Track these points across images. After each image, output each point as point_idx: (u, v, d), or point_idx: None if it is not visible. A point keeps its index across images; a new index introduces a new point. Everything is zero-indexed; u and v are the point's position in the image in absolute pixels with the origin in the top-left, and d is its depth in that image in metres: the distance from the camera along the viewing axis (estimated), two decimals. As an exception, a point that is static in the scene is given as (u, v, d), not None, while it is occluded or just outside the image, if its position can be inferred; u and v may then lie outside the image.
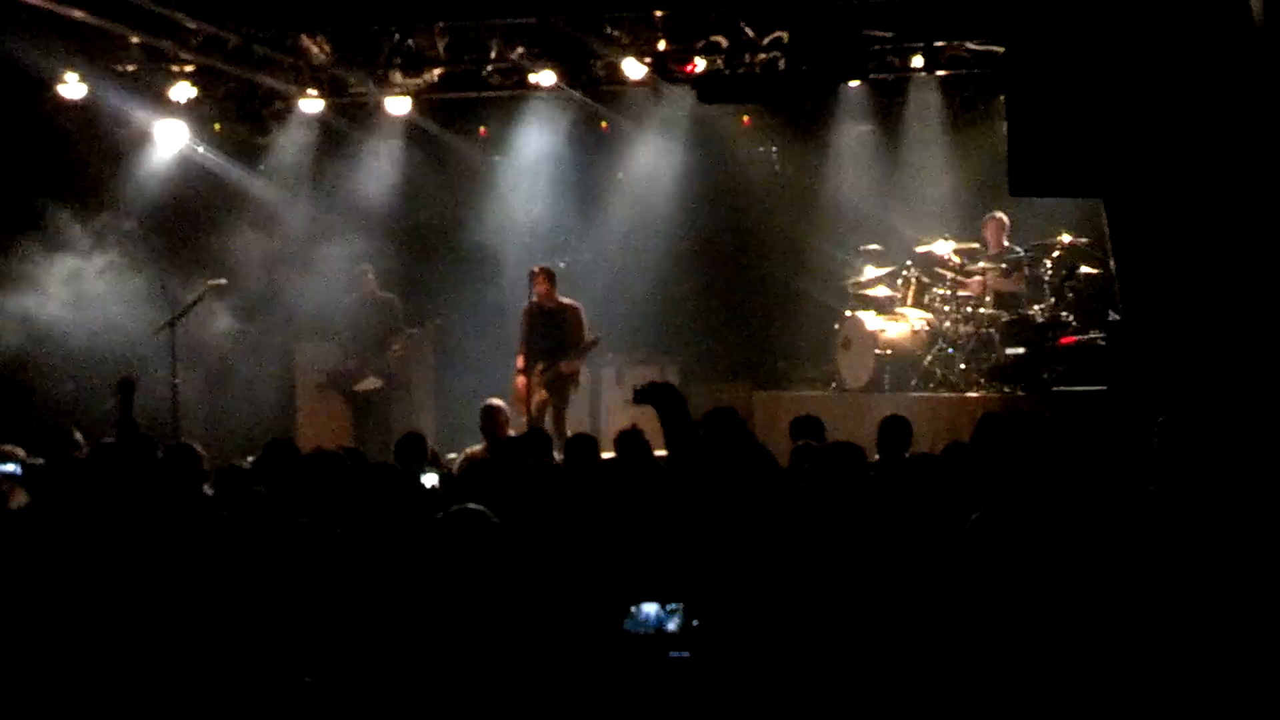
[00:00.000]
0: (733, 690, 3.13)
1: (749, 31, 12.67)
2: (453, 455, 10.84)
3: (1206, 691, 4.02)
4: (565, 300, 12.70)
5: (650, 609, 3.22)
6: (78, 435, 8.94)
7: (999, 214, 13.13)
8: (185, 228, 14.66)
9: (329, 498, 7.59)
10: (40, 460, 7.87)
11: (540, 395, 12.45)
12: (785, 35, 12.71)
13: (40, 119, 13.80)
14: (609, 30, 12.80)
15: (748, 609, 3.57)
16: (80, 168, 14.13)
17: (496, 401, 11.01)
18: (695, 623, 3.16)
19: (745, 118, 14.42)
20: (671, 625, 3.20)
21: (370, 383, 13.21)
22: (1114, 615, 4.67)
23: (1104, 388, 11.40)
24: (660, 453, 8.31)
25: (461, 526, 5.11)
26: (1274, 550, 4.85)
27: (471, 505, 5.42)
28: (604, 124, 14.73)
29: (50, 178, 13.81)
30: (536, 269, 12.64)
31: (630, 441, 8.48)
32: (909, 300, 13.18)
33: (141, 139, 14.12)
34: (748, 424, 8.32)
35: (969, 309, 12.84)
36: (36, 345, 13.82)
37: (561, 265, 13.08)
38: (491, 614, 4.42)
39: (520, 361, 12.54)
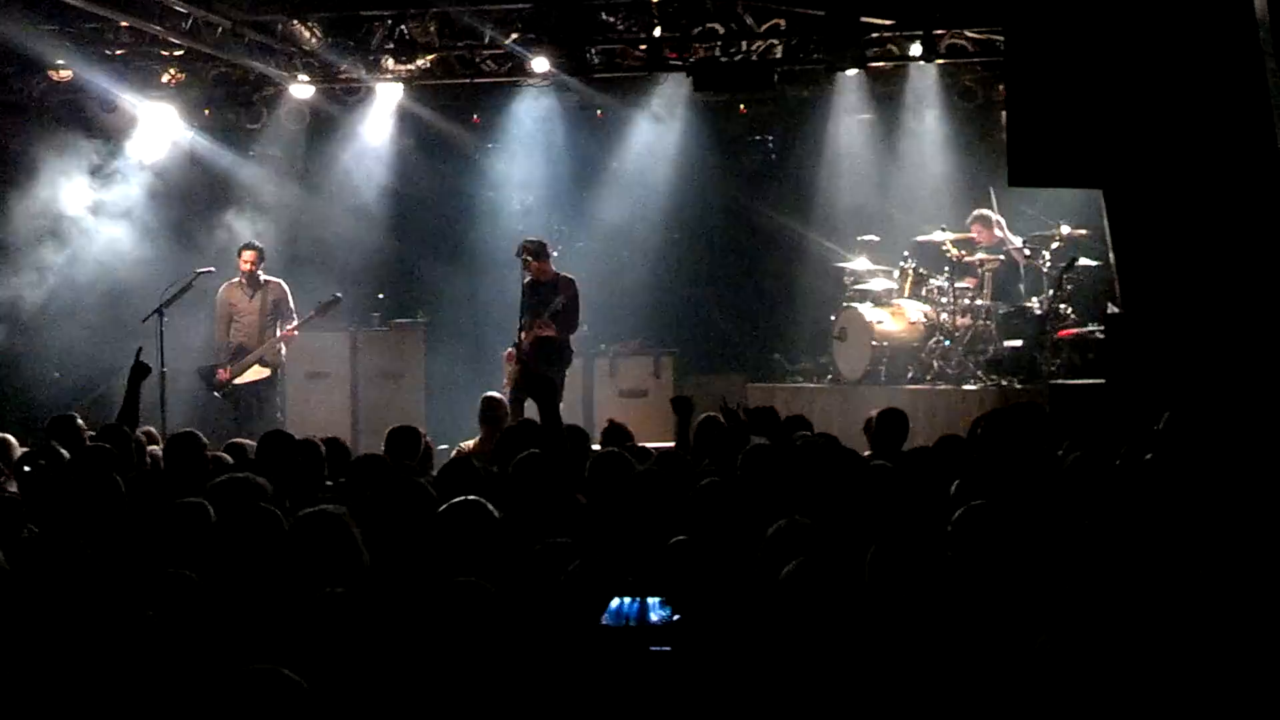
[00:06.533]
0: (715, 686, 3.02)
1: (747, 19, 12.57)
2: (444, 447, 10.71)
3: (1203, 690, 3.91)
4: (563, 274, 12.19)
5: (632, 602, 3.11)
6: (80, 422, 8.85)
7: (983, 211, 12.97)
8: (174, 214, 14.56)
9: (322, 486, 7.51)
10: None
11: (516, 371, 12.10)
12: (782, 22, 12.63)
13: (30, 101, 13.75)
14: (604, 16, 12.68)
15: (733, 603, 3.48)
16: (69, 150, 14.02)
17: (495, 393, 10.86)
18: (677, 617, 3.05)
19: (742, 106, 14.27)
20: (653, 619, 3.08)
21: (255, 373, 12.52)
22: (1108, 609, 4.57)
23: (1102, 381, 11.28)
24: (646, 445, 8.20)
25: (462, 519, 5.02)
26: (1272, 542, 4.76)
27: (472, 498, 5.31)
28: (599, 112, 14.59)
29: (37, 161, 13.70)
30: (521, 244, 12.33)
31: (616, 435, 8.42)
32: (906, 292, 13.05)
33: (130, 123, 14.01)
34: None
35: (966, 301, 12.72)
36: (23, 333, 13.79)
37: (554, 254, 12.82)
38: (484, 606, 4.34)
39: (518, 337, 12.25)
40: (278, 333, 12.37)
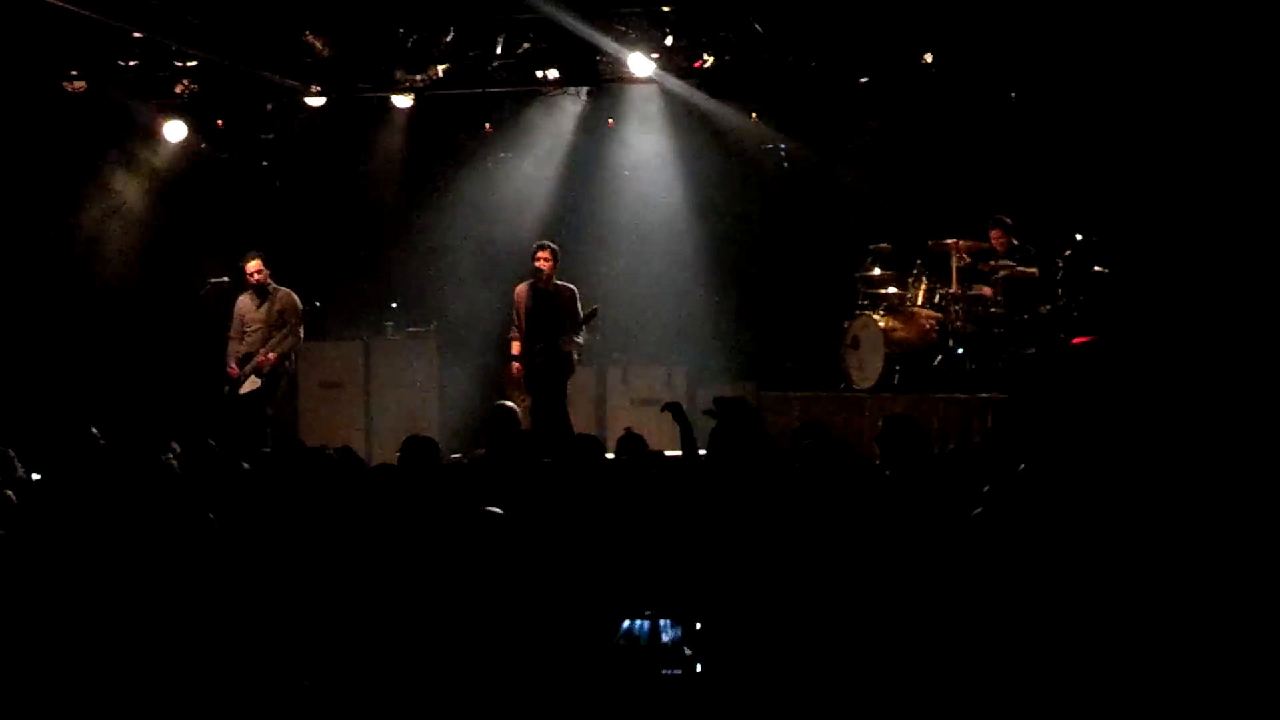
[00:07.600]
0: (727, 707, 3.02)
1: (758, 27, 12.58)
2: (457, 455, 10.73)
3: (1208, 690, 3.92)
4: (561, 283, 12.17)
5: (644, 624, 3.12)
6: (95, 433, 8.89)
7: (1001, 217, 12.94)
8: (189, 223, 14.65)
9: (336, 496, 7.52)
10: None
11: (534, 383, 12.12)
12: (790, 30, 12.65)
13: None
14: (616, 25, 12.70)
15: (745, 620, 3.47)
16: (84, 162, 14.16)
17: (509, 403, 10.87)
18: (689, 636, 3.06)
19: (753, 114, 14.26)
20: (665, 640, 3.09)
21: (251, 383, 12.52)
22: (1115, 613, 4.58)
23: (1114, 386, 11.28)
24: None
25: (481, 530, 5.03)
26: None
27: (491, 509, 5.32)
28: (610, 121, 14.60)
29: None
30: (543, 245, 12.24)
31: (632, 444, 8.43)
32: (919, 299, 13.01)
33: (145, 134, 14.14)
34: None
35: (980, 308, 12.68)
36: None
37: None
38: (497, 620, 4.35)
39: (516, 347, 12.11)
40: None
